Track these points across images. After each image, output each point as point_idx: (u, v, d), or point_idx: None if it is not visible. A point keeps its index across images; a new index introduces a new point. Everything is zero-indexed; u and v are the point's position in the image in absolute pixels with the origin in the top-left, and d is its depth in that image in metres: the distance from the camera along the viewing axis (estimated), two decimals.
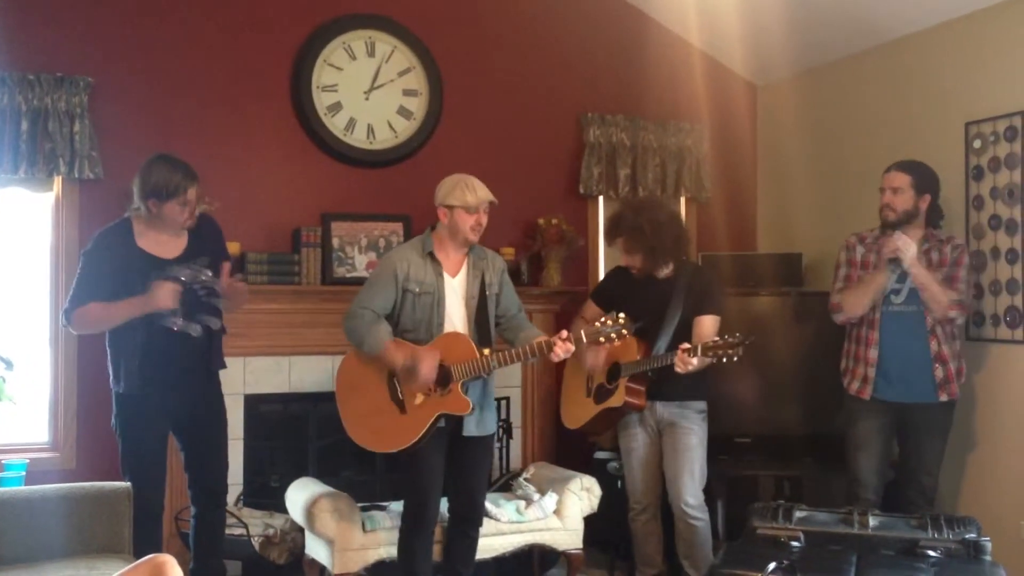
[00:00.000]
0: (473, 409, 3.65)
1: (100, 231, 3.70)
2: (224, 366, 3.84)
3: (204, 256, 3.66)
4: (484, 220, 3.73)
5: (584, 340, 3.60)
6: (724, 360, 3.71)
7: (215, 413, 3.82)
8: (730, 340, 3.68)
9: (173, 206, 3.56)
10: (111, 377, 3.66)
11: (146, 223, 3.63)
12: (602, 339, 3.57)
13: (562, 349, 3.58)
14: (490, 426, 3.84)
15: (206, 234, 3.75)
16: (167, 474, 3.82)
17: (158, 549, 3.66)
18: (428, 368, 3.57)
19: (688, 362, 3.72)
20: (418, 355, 3.58)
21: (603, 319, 3.59)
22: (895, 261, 3.93)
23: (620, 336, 3.56)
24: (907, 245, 3.88)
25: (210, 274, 3.57)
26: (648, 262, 4.04)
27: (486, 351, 3.63)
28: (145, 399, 3.60)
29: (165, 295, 3.47)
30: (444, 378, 3.62)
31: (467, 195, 3.68)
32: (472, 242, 3.75)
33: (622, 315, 3.57)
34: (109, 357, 3.66)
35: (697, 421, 4.07)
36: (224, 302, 3.71)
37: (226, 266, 3.66)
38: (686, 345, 3.75)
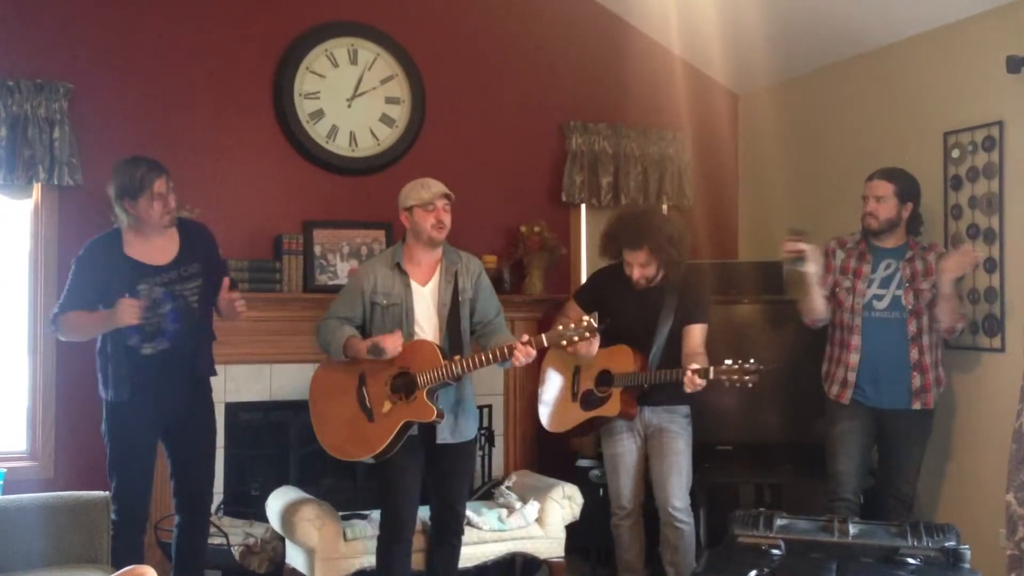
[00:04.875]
0: (440, 416, 3.62)
1: (91, 239, 3.70)
2: (214, 373, 3.84)
3: (195, 263, 3.68)
4: (445, 217, 3.68)
5: (546, 343, 3.57)
6: (738, 385, 3.70)
7: (203, 420, 3.81)
8: (747, 367, 3.67)
9: (145, 202, 3.55)
10: (100, 384, 3.65)
11: (133, 231, 3.63)
12: (564, 342, 3.54)
13: (522, 353, 3.53)
14: (467, 433, 3.81)
15: (197, 240, 3.75)
16: (153, 483, 3.80)
17: (139, 559, 3.66)
18: (392, 340, 3.56)
19: (698, 384, 3.73)
20: (380, 337, 3.60)
21: (568, 322, 3.57)
22: (796, 260, 4.07)
23: (583, 338, 3.52)
24: (966, 265, 3.98)
25: (169, 308, 3.57)
26: (659, 273, 4.04)
27: (456, 358, 3.61)
28: (133, 406, 3.59)
29: (125, 312, 3.45)
30: (409, 386, 3.61)
31: (421, 192, 3.67)
32: (437, 240, 3.70)
33: (587, 317, 3.52)
34: (98, 364, 3.65)
35: (684, 425, 4.10)
36: (221, 311, 3.75)
37: (225, 281, 3.69)
38: (696, 366, 3.74)
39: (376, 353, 3.58)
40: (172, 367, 3.63)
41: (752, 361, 3.67)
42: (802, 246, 4.05)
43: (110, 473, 3.66)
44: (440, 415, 3.61)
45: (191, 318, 3.65)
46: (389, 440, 3.60)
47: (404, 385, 3.63)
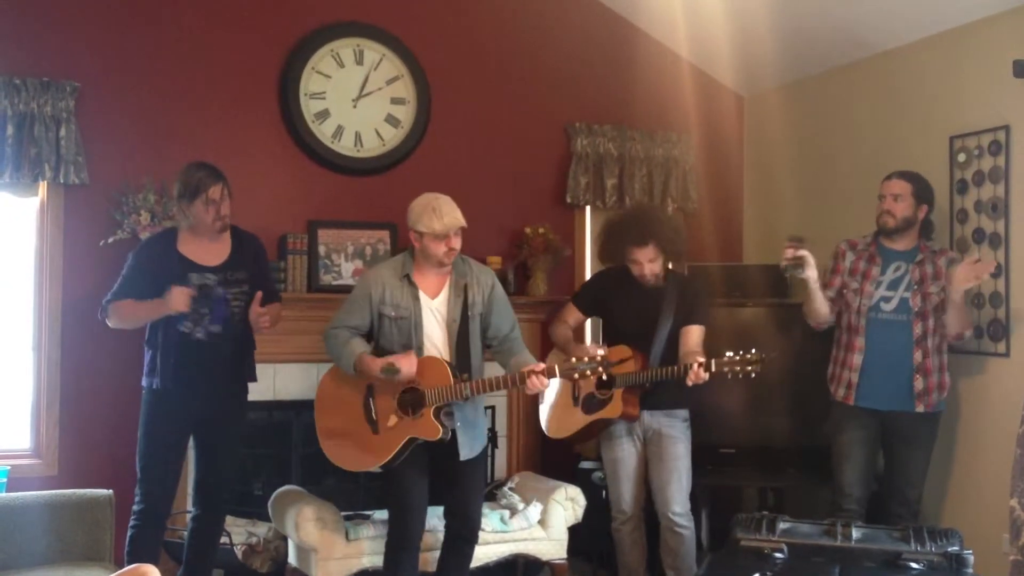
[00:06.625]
0: (446, 435, 3.60)
1: (150, 234, 3.95)
2: (255, 379, 3.95)
3: (243, 270, 3.80)
4: (457, 243, 3.63)
5: (559, 375, 3.56)
6: (741, 376, 3.70)
7: (235, 421, 3.90)
8: (748, 356, 3.67)
9: (198, 205, 3.70)
10: (145, 372, 3.76)
11: (189, 231, 3.78)
12: (576, 375, 3.54)
13: (534, 384, 3.54)
14: (479, 446, 3.80)
15: (248, 250, 3.89)
16: (179, 478, 3.88)
17: (156, 555, 3.70)
18: (408, 363, 3.55)
19: (702, 377, 3.71)
20: (395, 357, 3.58)
21: (582, 355, 3.55)
22: (796, 267, 4.05)
23: (595, 372, 3.53)
24: (980, 275, 3.89)
25: (221, 291, 3.71)
26: (665, 269, 4.06)
27: (465, 377, 3.59)
28: (173, 397, 3.69)
29: (177, 299, 3.59)
30: (417, 402, 3.60)
31: (434, 222, 3.57)
32: (446, 264, 3.67)
33: (601, 351, 3.56)
34: (146, 353, 3.76)
35: (683, 429, 4.09)
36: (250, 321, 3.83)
37: (258, 295, 3.77)
38: (701, 359, 3.73)
39: (391, 374, 3.56)
40: (218, 358, 3.73)
41: (753, 351, 3.68)
42: (801, 252, 4.05)
43: (138, 463, 3.74)
44: (446, 433, 3.60)
45: (232, 319, 3.75)
46: (392, 455, 3.61)
47: (412, 401, 3.61)
